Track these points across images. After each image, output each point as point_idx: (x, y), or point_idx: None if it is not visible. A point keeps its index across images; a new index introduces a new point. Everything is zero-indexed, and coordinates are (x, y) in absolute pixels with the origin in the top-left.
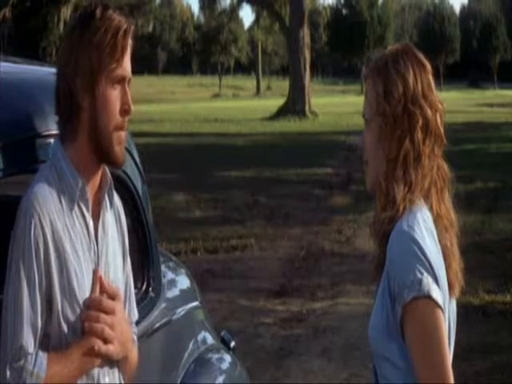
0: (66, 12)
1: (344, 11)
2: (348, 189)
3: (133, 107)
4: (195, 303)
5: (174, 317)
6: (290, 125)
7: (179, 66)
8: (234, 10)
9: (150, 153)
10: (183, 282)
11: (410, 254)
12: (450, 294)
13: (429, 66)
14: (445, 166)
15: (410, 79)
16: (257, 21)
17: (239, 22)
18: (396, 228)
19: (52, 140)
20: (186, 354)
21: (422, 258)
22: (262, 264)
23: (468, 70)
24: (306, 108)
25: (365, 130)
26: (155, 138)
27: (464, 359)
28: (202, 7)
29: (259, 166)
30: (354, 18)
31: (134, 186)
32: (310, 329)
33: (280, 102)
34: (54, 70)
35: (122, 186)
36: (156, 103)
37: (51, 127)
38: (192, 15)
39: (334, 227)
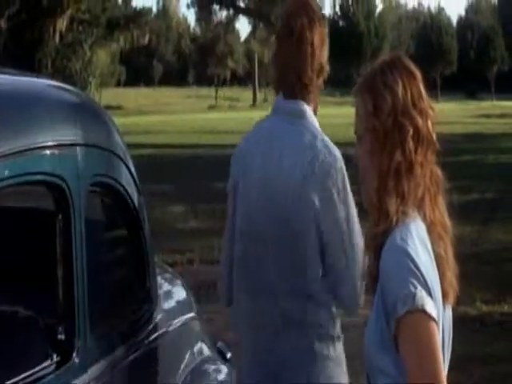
0: (62, 24)
1: (341, 22)
2: None
3: None
4: (191, 314)
5: (171, 328)
6: None
7: (175, 77)
8: (230, 22)
9: (146, 164)
10: (179, 293)
11: (403, 267)
12: (445, 302)
13: (419, 74)
14: (438, 171)
15: (399, 91)
16: (253, 32)
17: (235, 33)
18: (389, 241)
19: (47, 152)
20: (183, 365)
21: (416, 271)
22: None
23: (465, 81)
24: None
25: (356, 147)
26: (151, 150)
27: (462, 370)
28: (198, 19)
29: None
30: (350, 30)
31: (129, 197)
32: None
33: None
34: (49, 81)
35: (118, 198)
36: (152, 115)
37: (46, 139)
38: (188, 27)
39: None
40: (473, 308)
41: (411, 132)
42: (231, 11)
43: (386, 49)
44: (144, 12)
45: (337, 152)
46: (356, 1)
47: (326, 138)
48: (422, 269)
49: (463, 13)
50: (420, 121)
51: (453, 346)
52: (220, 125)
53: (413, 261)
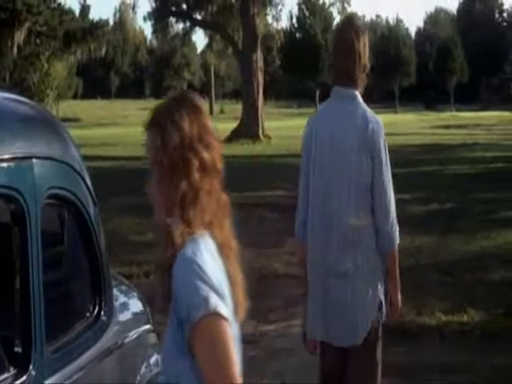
0: (20, 36)
1: (297, 34)
2: None
3: None
4: (147, 326)
5: (127, 340)
6: (243, 148)
7: (132, 89)
8: (186, 34)
9: (102, 176)
10: (135, 305)
11: (193, 276)
12: (235, 318)
13: (204, 109)
14: (225, 198)
15: (186, 127)
16: (210, 45)
17: (192, 45)
18: (179, 256)
19: (4, 164)
20: (139, 377)
21: (205, 278)
22: None
23: (424, 92)
24: (260, 131)
25: (151, 177)
26: (108, 162)
27: (422, 380)
28: (155, 31)
29: None
30: (307, 42)
31: (85, 209)
32: (263, 351)
33: (233, 125)
34: (5, 94)
35: (74, 210)
36: (109, 127)
37: (3, 151)
38: (145, 39)
39: (287, 249)
40: (432, 318)
41: (197, 164)
42: (188, 23)
43: None
44: (101, 24)
45: (381, 122)
46: (313, 13)
47: (373, 113)
48: (211, 275)
49: (422, 24)
50: (205, 154)
51: (412, 355)
52: None
53: (201, 269)
